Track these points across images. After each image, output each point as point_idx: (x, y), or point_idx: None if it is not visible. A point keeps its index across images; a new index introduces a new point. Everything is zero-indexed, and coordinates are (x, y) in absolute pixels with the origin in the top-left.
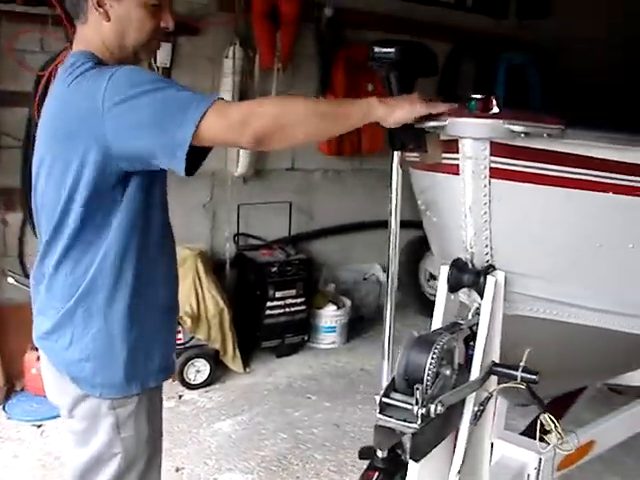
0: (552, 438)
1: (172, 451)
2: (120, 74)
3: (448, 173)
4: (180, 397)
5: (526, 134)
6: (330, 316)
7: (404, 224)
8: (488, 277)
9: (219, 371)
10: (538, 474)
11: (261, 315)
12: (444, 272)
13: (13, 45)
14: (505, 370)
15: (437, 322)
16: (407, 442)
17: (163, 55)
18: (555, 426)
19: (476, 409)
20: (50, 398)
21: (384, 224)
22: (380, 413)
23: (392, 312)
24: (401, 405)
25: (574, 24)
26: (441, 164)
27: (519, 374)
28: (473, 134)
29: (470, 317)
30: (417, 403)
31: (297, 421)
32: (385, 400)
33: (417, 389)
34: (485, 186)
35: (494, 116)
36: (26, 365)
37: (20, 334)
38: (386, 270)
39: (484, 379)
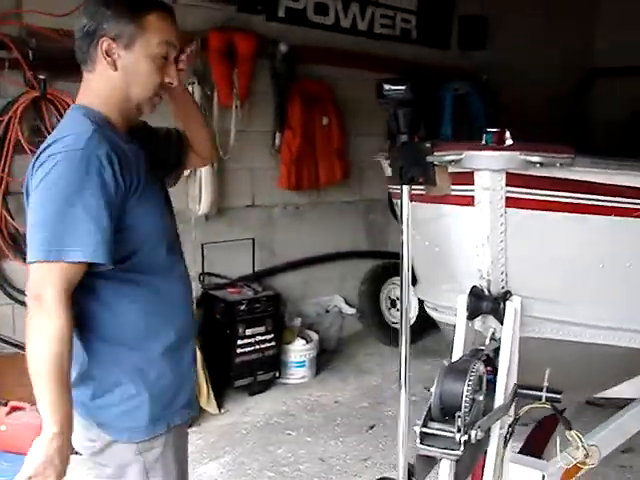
0: (578, 453)
1: None
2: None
3: (460, 204)
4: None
5: (541, 164)
6: (299, 351)
7: (364, 254)
8: (507, 303)
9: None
10: None
11: (232, 354)
12: (462, 301)
13: None
14: (530, 392)
15: (458, 349)
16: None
17: None
18: (581, 442)
19: (503, 431)
20: (75, 446)
21: (342, 256)
22: (421, 443)
23: (407, 344)
24: (441, 434)
25: (506, 55)
26: (449, 196)
27: (544, 394)
28: (491, 166)
29: (487, 342)
30: (459, 430)
31: (281, 458)
32: (425, 430)
33: (458, 417)
34: (501, 215)
35: (509, 148)
36: None
37: None
38: (400, 304)
39: (511, 401)
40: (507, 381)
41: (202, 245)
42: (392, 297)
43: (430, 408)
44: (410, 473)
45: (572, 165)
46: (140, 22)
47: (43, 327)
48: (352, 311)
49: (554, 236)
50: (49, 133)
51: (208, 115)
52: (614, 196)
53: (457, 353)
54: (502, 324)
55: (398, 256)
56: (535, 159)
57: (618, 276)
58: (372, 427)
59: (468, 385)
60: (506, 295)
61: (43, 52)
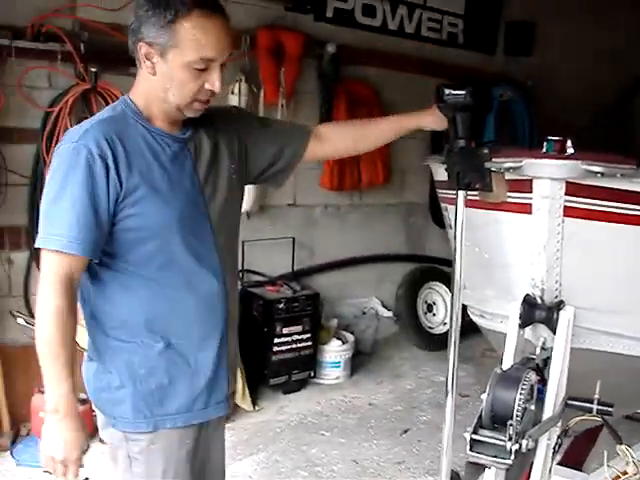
0: (629, 468)
1: None
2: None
3: (517, 212)
4: None
5: (602, 174)
6: (335, 351)
7: (402, 258)
8: (561, 312)
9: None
10: None
11: (268, 352)
12: (515, 309)
13: (21, 81)
14: (581, 403)
15: (509, 357)
16: None
17: None
18: (632, 457)
19: (551, 442)
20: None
21: (381, 258)
22: (471, 450)
23: (456, 350)
24: (492, 441)
25: (552, 62)
26: (505, 203)
27: (595, 407)
28: (552, 174)
29: (538, 352)
30: (510, 439)
31: (315, 458)
32: (475, 437)
33: (510, 425)
34: (559, 224)
35: (571, 157)
36: (33, 409)
37: (26, 376)
38: (450, 310)
39: (562, 412)
40: (557, 391)
41: (243, 242)
42: (429, 301)
43: (480, 415)
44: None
45: (634, 176)
46: (173, 32)
47: (39, 309)
48: (389, 314)
49: (611, 247)
50: None
51: (254, 112)
52: None
53: (507, 361)
54: (554, 333)
55: (435, 260)
56: (597, 169)
57: None
58: (406, 431)
59: (521, 394)
60: (560, 305)
61: (94, 45)
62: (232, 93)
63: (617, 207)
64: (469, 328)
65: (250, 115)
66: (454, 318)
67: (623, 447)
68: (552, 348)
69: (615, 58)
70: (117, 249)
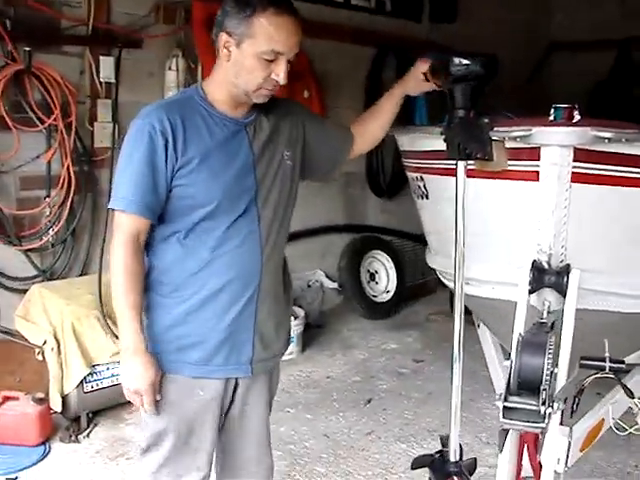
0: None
1: None
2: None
3: (522, 180)
4: None
5: (609, 139)
6: None
7: (342, 228)
8: (570, 275)
9: None
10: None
11: None
12: (524, 275)
13: None
14: (595, 362)
15: (520, 323)
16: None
17: (106, 70)
18: None
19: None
20: None
21: (322, 230)
22: (504, 417)
23: (462, 320)
24: (523, 407)
25: (474, 29)
26: (506, 171)
27: (607, 364)
28: (562, 142)
29: (545, 315)
30: (543, 403)
31: (285, 436)
32: (507, 404)
33: (544, 390)
34: (567, 190)
35: (580, 124)
36: None
37: None
38: (454, 278)
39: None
40: (570, 352)
41: None
42: (371, 270)
43: (509, 383)
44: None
45: (637, 140)
46: (250, 24)
47: (112, 262)
48: (333, 285)
49: (615, 210)
50: (32, 109)
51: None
52: None
53: (519, 327)
54: (564, 297)
55: (375, 229)
56: (606, 135)
57: None
58: (369, 401)
59: (548, 358)
60: (567, 268)
61: (23, 23)
62: (169, 69)
63: (621, 171)
64: (411, 294)
65: (312, 113)
66: (458, 288)
67: (635, 400)
68: (559, 311)
69: (529, 25)
70: (169, 214)
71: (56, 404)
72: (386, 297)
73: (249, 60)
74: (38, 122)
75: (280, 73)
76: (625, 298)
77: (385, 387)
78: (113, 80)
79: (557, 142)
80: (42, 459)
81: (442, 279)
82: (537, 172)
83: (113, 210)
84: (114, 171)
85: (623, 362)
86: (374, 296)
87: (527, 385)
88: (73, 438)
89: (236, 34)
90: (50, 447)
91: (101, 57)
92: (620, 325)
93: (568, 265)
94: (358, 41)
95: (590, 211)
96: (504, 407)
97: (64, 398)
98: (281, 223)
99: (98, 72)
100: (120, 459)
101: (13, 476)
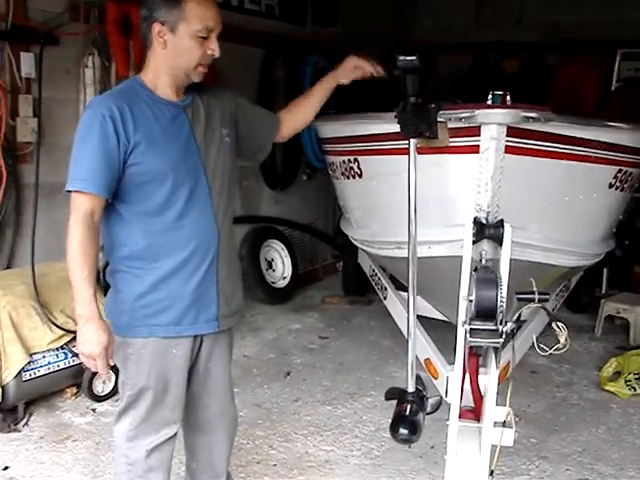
0: (562, 338)
1: None
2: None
3: (464, 153)
4: (94, 410)
5: (534, 119)
6: None
7: (240, 220)
8: (505, 227)
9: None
10: None
11: None
12: (468, 230)
13: None
14: (526, 295)
15: (467, 268)
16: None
17: (27, 66)
18: (565, 331)
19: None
20: None
21: None
22: (471, 337)
23: (415, 276)
24: (484, 327)
25: (354, 32)
26: (448, 147)
27: (536, 297)
28: (499, 120)
29: (484, 262)
30: (500, 323)
31: None
32: (472, 327)
33: (501, 312)
34: (501, 160)
35: (513, 106)
36: None
37: None
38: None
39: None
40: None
41: None
42: (268, 259)
43: (470, 312)
44: (387, 394)
45: (551, 120)
46: (181, 10)
47: (68, 238)
48: None
49: (534, 176)
50: None
51: (107, 86)
52: (575, 145)
53: (466, 270)
54: (501, 245)
55: (269, 220)
56: (532, 115)
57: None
58: (289, 373)
59: (500, 289)
60: (502, 222)
61: None
62: (86, 67)
63: (538, 145)
64: (305, 279)
65: (240, 97)
66: (411, 259)
67: (558, 323)
68: (493, 259)
69: (397, 28)
70: (124, 191)
71: None
72: (283, 283)
73: (186, 41)
74: None
75: (214, 47)
76: (542, 250)
77: (299, 361)
78: (34, 76)
79: (496, 120)
80: None
81: (364, 248)
82: (477, 146)
83: (69, 192)
84: (36, 165)
85: (548, 293)
86: (273, 282)
87: (485, 312)
88: (12, 427)
89: (169, 21)
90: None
91: (22, 53)
92: (534, 270)
93: (502, 220)
94: (250, 42)
95: (518, 177)
96: (470, 329)
97: (2, 388)
98: (229, 193)
99: (19, 67)
100: (67, 442)
101: None
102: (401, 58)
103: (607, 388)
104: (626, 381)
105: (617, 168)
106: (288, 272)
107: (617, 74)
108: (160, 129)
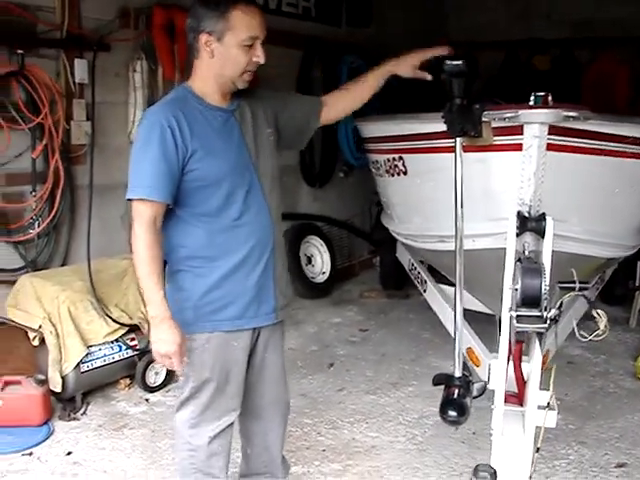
0: (601, 324)
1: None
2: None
3: (507, 150)
4: (147, 400)
5: (574, 118)
6: None
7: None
8: (547, 220)
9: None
10: None
11: None
12: (512, 223)
13: None
14: (568, 284)
15: (511, 258)
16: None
17: (80, 72)
18: (604, 317)
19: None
20: None
21: None
22: (517, 323)
23: (462, 269)
24: (530, 314)
25: (387, 32)
26: (492, 145)
27: (577, 285)
28: (543, 120)
29: (527, 254)
30: (546, 309)
31: None
32: (519, 313)
33: (545, 299)
34: (544, 156)
35: (554, 107)
36: None
37: None
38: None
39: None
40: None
41: None
42: (308, 254)
43: (515, 299)
44: (434, 379)
45: (590, 119)
46: (227, 19)
47: (135, 244)
48: None
49: (576, 171)
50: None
51: (154, 89)
52: (612, 142)
53: (510, 260)
54: (543, 237)
55: (308, 217)
56: (572, 114)
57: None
58: (332, 365)
59: (544, 278)
60: (544, 216)
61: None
62: (134, 71)
63: (578, 142)
64: (343, 274)
65: (277, 92)
66: (458, 254)
67: (598, 311)
68: (537, 251)
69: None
70: (182, 195)
71: (56, 385)
72: (322, 278)
73: (232, 50)
74: (22, 121)
75: (259, 54)
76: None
77: (342, 353)
78: (86, 81)
79: (538, 120)
80: (49, 436)
81: (405, 241)
82: (520, 144)
83: (131, 200)
84: (90, 166)
85: (588, 282)
86: (312, 277)
87: (530, 300)
88: (72, 416)
89: (216, 31)
90: (53, 425)
91: (76, 59)
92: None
93: (544, 213)
94: (287, 44)
95: (558, 172)
96: (517, 316)
97: (63, 379)
98: (278, 192)
99: (73, 74)
100: (124, 429)
101: (28, 452)
102: (448, 62)
103: None
104: None
105: None
106: (327, 267)
107: None
108: (214, 135)
